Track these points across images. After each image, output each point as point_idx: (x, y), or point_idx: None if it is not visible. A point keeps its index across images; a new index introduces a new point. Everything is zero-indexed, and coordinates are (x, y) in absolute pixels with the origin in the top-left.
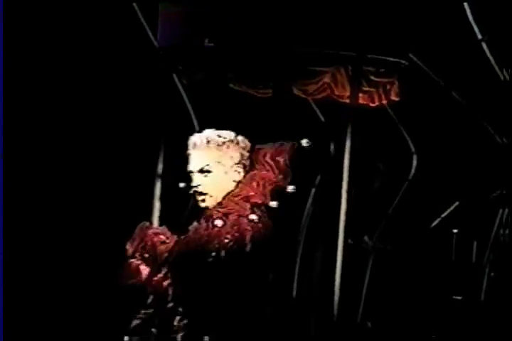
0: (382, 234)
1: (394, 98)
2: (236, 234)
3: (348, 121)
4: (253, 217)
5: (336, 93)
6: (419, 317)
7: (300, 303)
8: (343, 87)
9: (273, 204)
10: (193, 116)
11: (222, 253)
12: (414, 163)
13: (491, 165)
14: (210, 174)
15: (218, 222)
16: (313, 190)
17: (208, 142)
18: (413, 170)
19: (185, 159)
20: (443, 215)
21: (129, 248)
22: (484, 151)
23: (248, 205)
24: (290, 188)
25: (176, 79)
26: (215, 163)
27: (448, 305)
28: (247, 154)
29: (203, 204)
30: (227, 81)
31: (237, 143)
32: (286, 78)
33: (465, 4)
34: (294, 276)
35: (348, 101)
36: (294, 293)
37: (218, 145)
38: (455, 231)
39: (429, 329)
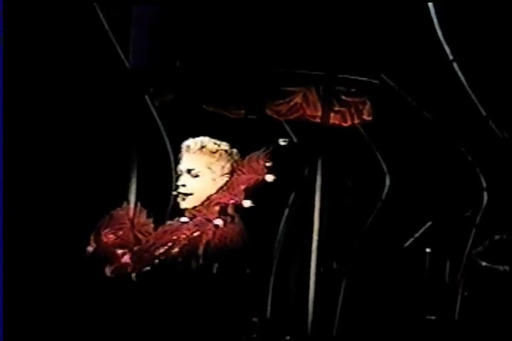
0: (355, 254)
1: (366, 118)
2: (195, 234)
3: (320, 141)
4: (218, 222)
5: (308, 113)
6: (393, 336)
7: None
8: (314, 106)
9: (247, 203)
10: (166, 138)
11: (176, 248)
12: (387, 183)
13: (463, 184)
14: (198, 178)
15: (184, 219)
16: (287, 210)
17: (202, 147)
18: (386, 190)
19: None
20: (416, 235)
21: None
22: (456, 171)
23: (217, 209)
24: (246, 203)
25: (149, 101)
26: (206, 169)
27: (421, 325)
28: (236, 167)
29: (183, 205)
30: (200, 102)
31: (230, 154)
32: (258, 99)
33: (436, 25)
34: (267, 294)
35: (320, 121)
36: (269, 310)
37: (211, 152)
38: (428, 250)
39: None
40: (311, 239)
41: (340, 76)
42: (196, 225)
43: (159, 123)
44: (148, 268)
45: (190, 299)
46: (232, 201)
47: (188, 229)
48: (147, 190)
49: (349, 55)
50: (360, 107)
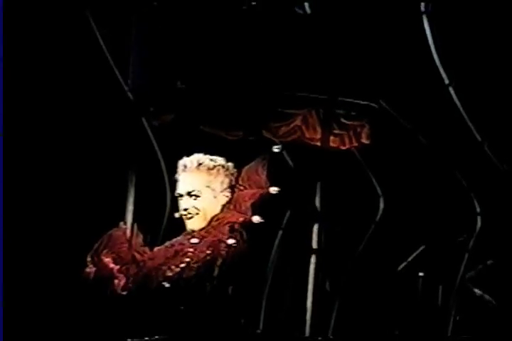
0: (349, 276)
1: (365, 141)
2: (208, 257)
3: (320, 164)
4: (231, 241)
5: (307, 136)
6: None
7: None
8: (314, 129)
9: (256, 219)
10: (161, 159)
11: (189, 270)
12: (381, 206)
13: (457, 209)
14: (200, 198)
15: (194, 240)
16: (280, 233)
17: (199, 165)
18: (380, 213)
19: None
20: (409, 259)
21: (104, 256)
22: (451, 195)
23: (227, 229)
24: (256, 219)
25: (145, 122)
26: (205, 188)
27: None
28: (234, 180)
29: (189, 227)
30: (198, 123)
31: (227, 169)
32: (257, 120)
33: (432, 50)
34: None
35: (318, 143)
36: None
37: (209, 168)
38: (421, 274)
39: None
40: (307, 260)
41: (340, 99)
42: (210, 246)
43: (155, 144)
44: (156, 287)
45: (202, 318)
46: (241, 219)
47: (202, 251)
48: (143, 210)
49: (349, 78)
50: (359, 130)
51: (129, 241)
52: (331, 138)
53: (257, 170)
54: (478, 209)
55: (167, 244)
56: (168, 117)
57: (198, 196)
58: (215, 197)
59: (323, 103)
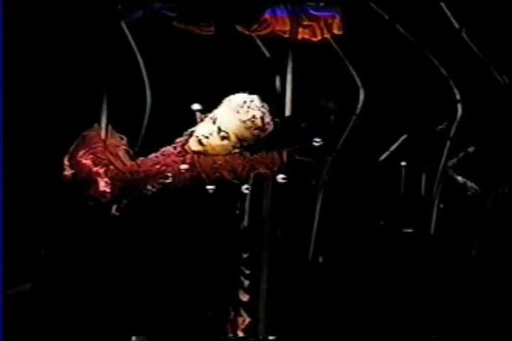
0: (331, 169)
1: (336, 32)
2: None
3: (288, 55)
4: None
5: (277, 28)
6: (370, 250)
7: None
8: (283, 22)
9: (244, 188)
10: (140, 58)
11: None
12: (361, 97)
13: (437, 97)
14: (222, 141)
15: (184, 166)
16: None
17: (252, 118)
18: (360, 105)
19: None
20: (391, 148)
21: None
22: (430, 84)
23: (211, 171)
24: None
25: (122, 22)
26: (237, 140)
27: (398, 238)
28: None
29: (192, 147)
30: (170, 19)
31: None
32: (228, 15)
33: None
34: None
35: (289, 35)
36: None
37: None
38: (403, 164)
39: (380, 262)
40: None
41: None
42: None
43: (132, 42)
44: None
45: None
46: (229, 177)
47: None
48: (118, 112)
49: None
50: (330, 21)
51: (104, 141)
52: (301, 29)
53: (281, 155)
54: (458, 97)
55: (153, 156)
56: (137, 14)
57: (224, 138)
58: (233, 150)
59: None
